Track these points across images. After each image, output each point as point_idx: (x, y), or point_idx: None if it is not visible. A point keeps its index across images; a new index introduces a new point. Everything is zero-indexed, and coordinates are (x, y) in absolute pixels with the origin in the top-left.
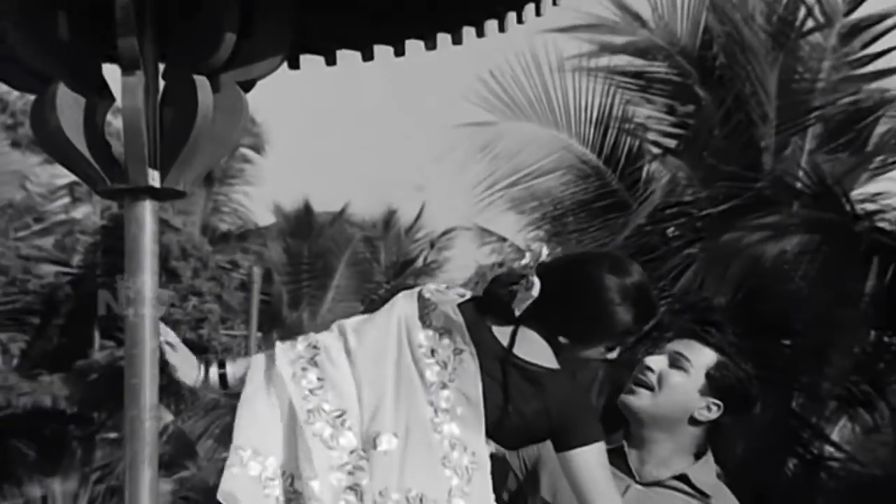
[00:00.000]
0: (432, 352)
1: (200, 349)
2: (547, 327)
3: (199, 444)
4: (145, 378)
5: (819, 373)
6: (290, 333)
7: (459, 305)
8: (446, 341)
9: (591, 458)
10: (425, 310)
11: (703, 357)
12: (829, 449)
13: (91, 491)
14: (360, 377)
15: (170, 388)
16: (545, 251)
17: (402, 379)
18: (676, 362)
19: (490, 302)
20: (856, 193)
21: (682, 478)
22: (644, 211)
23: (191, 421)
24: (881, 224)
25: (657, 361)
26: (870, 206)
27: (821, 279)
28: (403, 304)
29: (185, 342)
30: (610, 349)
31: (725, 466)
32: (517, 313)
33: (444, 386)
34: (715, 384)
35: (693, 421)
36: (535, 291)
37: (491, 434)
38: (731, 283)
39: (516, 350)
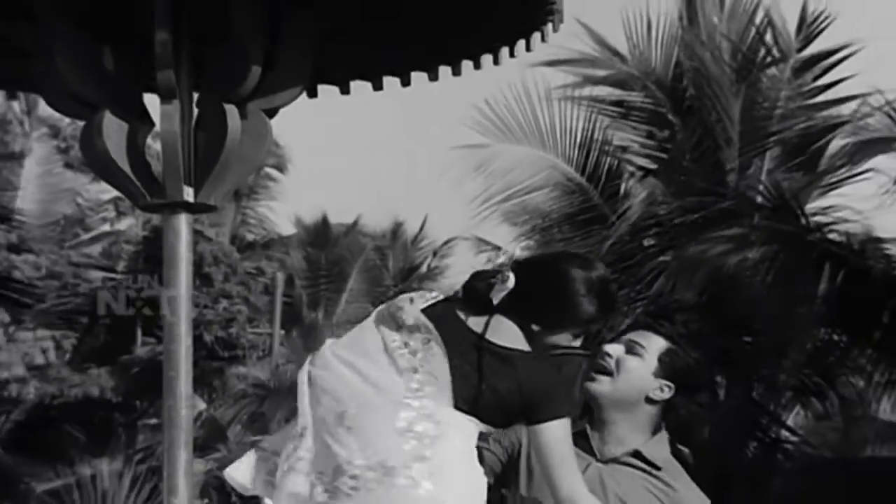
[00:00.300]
0: (405, 344)
1: (230, 346)
2: (521, 316)
3: (230, 430)
4: (181, 371)
5: (776, 366)
6: (309, 332)
7: (433, 304)
8: (417, 335)
9: (557, 433)
10: (398, 313)
11: (655, 344)
12: (784, 433)
13: (134, 470)
14: (326, 378)
15: (203, 379)
16: (518, 250)
17: (378, 369)
18: (632, 349)
19: (468, 295)
20: (809, 207)
21: (636, 454)
22: (624, 223)
23: (221, 408)
24: (831, 235)
25: (615, 349)
26: (822, 219)
27: (778, 283)
28: (378, 314)
29: (217, 340)
30: (576, 336)
31: (692, 448)
32: (495, 303)
33: (415, 371)
34: (666, 367)
35: (649, 401)
36: (510, 284)
37: (471, 411)
38: (698, 288)
39: (489, 336)
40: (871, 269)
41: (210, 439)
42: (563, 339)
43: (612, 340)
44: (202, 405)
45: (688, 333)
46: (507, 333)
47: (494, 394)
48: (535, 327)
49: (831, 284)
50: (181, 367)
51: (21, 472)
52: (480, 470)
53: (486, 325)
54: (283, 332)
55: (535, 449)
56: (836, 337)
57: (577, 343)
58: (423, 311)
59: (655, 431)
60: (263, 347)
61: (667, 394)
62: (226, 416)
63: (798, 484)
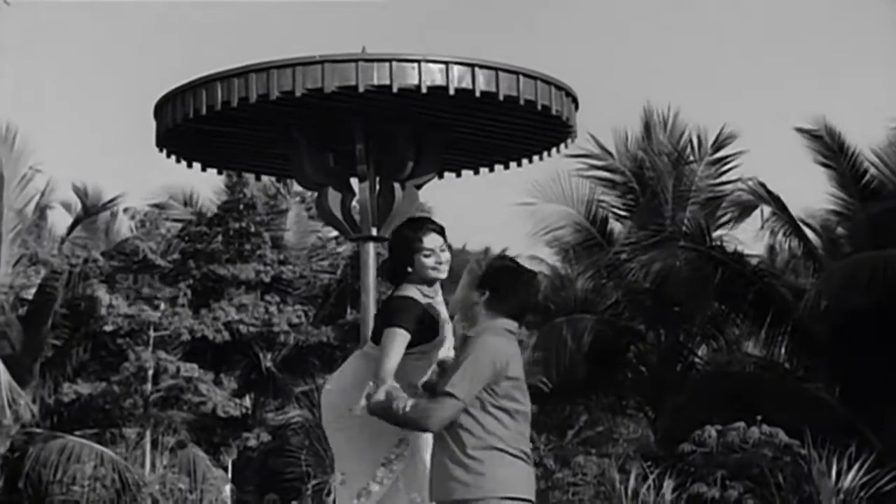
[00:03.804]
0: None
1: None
2: (400, 275)
3: None
4: (369, 326)
5: (692, 322)
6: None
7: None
8: None
9: (389, 336)
10: None
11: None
12: (696, 359)
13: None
14: None
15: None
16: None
17: None
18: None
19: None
20: (714, 235)
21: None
22: (612, 247)
23: None
24: (721, 251)
25: None
26: (717, 242)
27: (692, 278)
28: None
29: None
30: (426, 256)
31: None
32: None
33: None
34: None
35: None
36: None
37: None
38: (652, 278)
39: (392, 294)
40: (742, 270)
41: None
42: (423, 263)
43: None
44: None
45: (641, 304)
46: (399, 290)
47: (379, 318)
48: (409, 269)
49: (721, 278)
50: (369, 324)
51: (286, 381)
52: None
53: (395, 289)
54: None
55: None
56: (723, 307)
57: (432, 260)
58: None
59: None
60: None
61: (483, 296)
62: None
63: (703, 385)
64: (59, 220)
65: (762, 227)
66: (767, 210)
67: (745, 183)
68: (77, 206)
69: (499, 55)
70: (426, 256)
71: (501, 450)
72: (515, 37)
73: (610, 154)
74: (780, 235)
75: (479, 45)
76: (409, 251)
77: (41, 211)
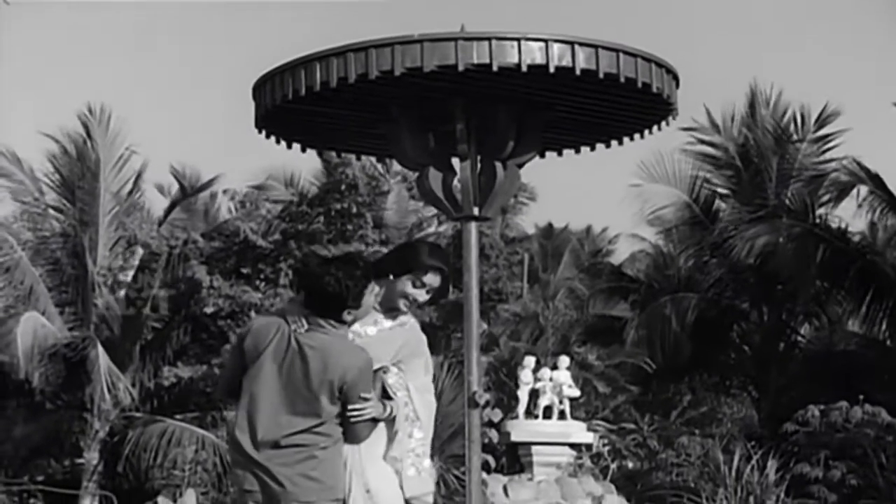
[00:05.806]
0: None
1: (497, 292)
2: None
3: (500, 339)
4: (472, 308)
5: (794, 301)
6: (543, 286)
7: None
8: None
9: None
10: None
11: None
12: (799, 338)
13: (449, 361)
14: None
15: (483, 312)
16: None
17: None
18: None
19: None
20: (817, 213)
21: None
22: (717, 224)
23: (495, 327)
24: (824, 228)
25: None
26: (819, 220)
27: (796, 255)
28: None
29: (490, 290)
30: (414, 286)
31: (752, 346)
32: None
33: None
34: None
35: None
36: None
37: None
38: (755, 254)
39: None
40: (844, 247)
41: (489, 345)
42: None
43: None
44: (484, 326)
45: (744, 282)
46: None
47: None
48: None
49: (823, 256)
50: (473, 305)
51: None
52: None
53: None
54: (527, 285)
55: None
56: (825, 285)
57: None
58: None
59: None
60: (517, 293)
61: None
62: (497, 331)
63: (806, 364)
64: (154, 202)
65: (859, 206)
66: (864, 189)
67: (841, 163)
68: (171, 187)
69: (602, 32)
70: (414, 286)
71: None
72: (618, 12)
73: (717, 129)
74: (878, 213)
75: (579, 21)
76: (404, 266)
77: (138, 193)
